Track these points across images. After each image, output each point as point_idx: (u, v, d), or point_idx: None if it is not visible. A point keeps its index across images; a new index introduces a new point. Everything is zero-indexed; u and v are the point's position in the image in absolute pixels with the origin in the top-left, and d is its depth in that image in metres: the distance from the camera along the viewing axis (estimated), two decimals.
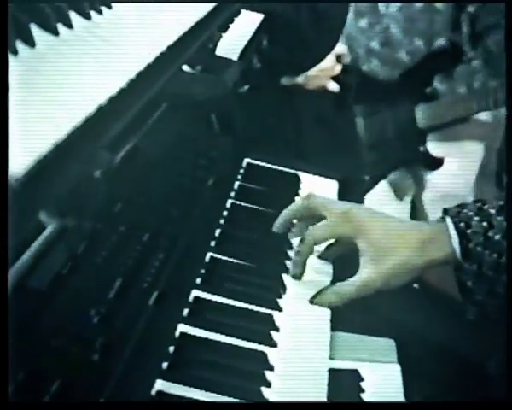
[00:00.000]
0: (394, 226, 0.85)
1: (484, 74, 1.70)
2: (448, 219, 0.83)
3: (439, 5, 1.63)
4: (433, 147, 1.74)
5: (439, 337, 1.19)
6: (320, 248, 0.91)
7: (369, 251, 0.83)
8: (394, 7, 1.65)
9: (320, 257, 0.91)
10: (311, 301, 0.83)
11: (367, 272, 0.82)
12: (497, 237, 0.80)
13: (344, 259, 0.91)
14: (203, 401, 0.66)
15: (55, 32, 0.58)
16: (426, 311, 1.21)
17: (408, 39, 1.64)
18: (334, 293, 0.83)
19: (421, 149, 1.66)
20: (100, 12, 0.68)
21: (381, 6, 1.66)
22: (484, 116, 1.78)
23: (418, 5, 1.63)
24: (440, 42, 1.63)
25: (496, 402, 0.83)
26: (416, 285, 1.27)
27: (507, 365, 0.78)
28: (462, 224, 0.82)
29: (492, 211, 0.82)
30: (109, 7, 0.71)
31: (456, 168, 1.80)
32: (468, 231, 0.81)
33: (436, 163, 1.77)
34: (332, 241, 0.90)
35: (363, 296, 0.84)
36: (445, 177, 1.81)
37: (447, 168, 1.79)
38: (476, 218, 0.82)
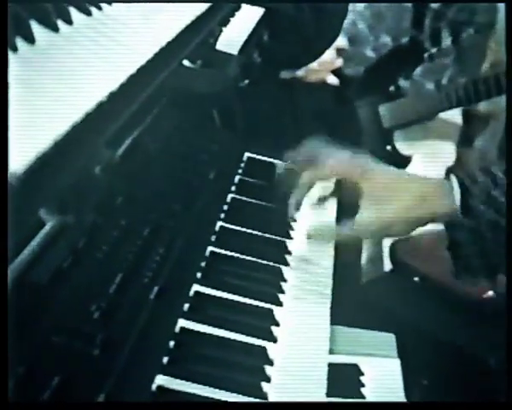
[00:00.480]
0: (399, 174, 0.85)
1: (454, 71, 1.69)
2: (452, 175, 0.82)
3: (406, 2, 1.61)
4: (401, 145, 1.71)
5: (440, 332, 1.19)
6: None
7: (372, 194, 0.82)
8: (362, 4, 1.64)
9: (318, 201, 0.91)
10: (309, 237, 0.84)
11: (367, 214, 0.82)
12: (501, 198, 0.79)
13: (343, 256, 0.92)
14: (202, 402, 0.66)
15: (55, 29, 0.58)
16: (426, 305, 1.21)
17: (374, 36, 1.63)
18: (332, 230, 0.84)
19: (388, 148, 1.64)
20: (100, 8, 0.68)
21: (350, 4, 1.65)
22: (453, 116, 1.76)
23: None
24: (405, 39, 1.62)
25: (496, 402, 0.83)
26: (416, 279, 1.27)
27: (507, 365, 0.78)
28: (466, 180, 0.81)
29: (499, 172, 0.81)
30: (109, 3, 0.70)
31: (423, 167, 1.77)
32: (472, 188, 0.80)
33: (403, 161, 1.74)
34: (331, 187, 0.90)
35: (358, 237, 0.84)
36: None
37: (414, 167, 1.77)
38: (480, 174, 0.81)
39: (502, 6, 1.71)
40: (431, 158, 1.76)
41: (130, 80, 0.62)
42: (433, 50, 1.61)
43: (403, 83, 1.64)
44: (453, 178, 0.81)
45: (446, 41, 1.69)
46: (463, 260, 0.82)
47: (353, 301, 0.89)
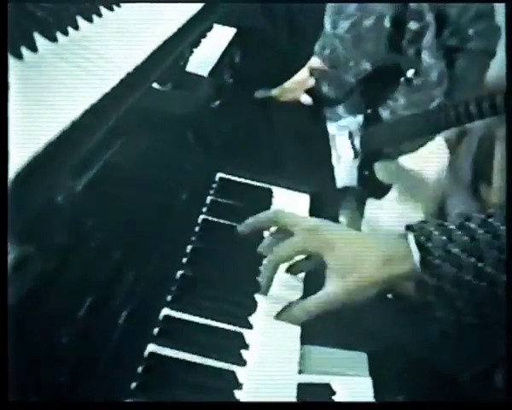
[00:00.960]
0: (360, 242, 0.87)
1: (442, 103, 1.69)
2: (409, 234, 0.85)
3: (387, 24, 1.62)
4: (379, 172, 1.71)
5: (414, 349, 1.20)
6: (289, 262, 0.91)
7: (335, 266, 0.84)
8: (342, 27, 1.65)
9: (288, 271, 0.91)
10: (278, 318, 0.84)
11: (332, 288, 0.84)
12: (456, 250, 0.82)
13: (314, 275, 0.92)
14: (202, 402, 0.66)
15: (19, 56, 0.58)
16: (401, 322, 1.21)
17: (355, 61, 1.64)
18: (299, 309, 0.84)
19: (366, 173, 1.64)
20: (66, 33, 0.68)
21: (329, 27, 1.66)
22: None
23: (367, 24, 1.63)
24: (385, 62, 1.63)
25: (496, 403, 0.84)
26: (390, 296, 1.28)
27: (507, 365, 0.79)
28: (422, 237, 0.84)
29: (452, 226, 0.84)
30: (76, 28, 0.71)
31: (401, 196, 1.77)
32: (428, 245, 0.83)
33: (382, 190, 1.73)
34: (300, 257, 0.91)
35: (328, 311, 0.85)
36: (388, 205, 1.79)
37: (392, 196, 1.76)
38: (436, 232, 0.83)
39: (503, 30, 1.69)
40: (411, 187, 1.76)
41: (96, 106, 0.62)
42: (410, 74, 1.62)
43: (381, 108, 1.64)
44: (410, 237, 0.83)
45: (434, 71, 1.68)
46: (433, 321, 0.84)
47: (324, 320, 0.89)
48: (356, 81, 1.65)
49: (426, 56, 1.65)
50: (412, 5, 1.58)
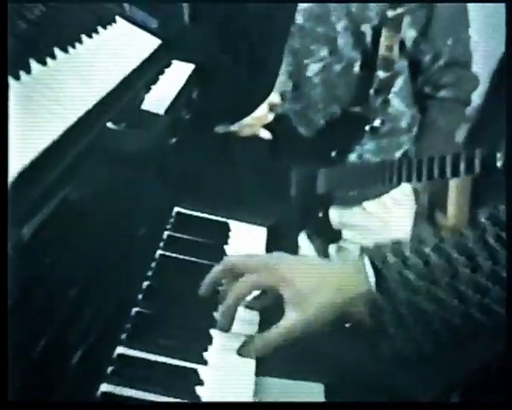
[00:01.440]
0: (314, 270, 0.88)
1: (410, 150, 1.70)
2: (365, 258, 0.86)
3: (356, 69, 1.63)
4: (334, 216, 1.71)
5: (372, 376, 1.21)
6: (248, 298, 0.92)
7: (291, 297, 0.85)
8: (313, 71, 1.67)
9: (248, 307, 0.92)
10: (238, 353, 0.84)
11: (290, 318, 0.84)
12: (410, 274, 0.83)
13: (270, 308, 0.93)
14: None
15: None
16: (356, 351, 1.23)
17: (324, 103, 1.65)
18: (259, 342, 0.85)
19: (320, 215, 1.63)
20: (18, 78, 0.69)
21: (304, 69, 1.67)
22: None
23: (336, 69, 1.65)
24: (352, 108, 1.64)
25: (496, 403, 0.85)
26: (347, 325, 1.29)
27: (506, 365, 0.80)
28: (377, 262, 0.85)
29: (406, 252, 0.85)
30: (28, 72, 0.72)
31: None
32: (383, 268, 0.84)
33: (333, 235, 1.72)
34: (258, 292, 0.92)
35: (289, 342, 0.85)
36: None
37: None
38: (391, 256, 0.85)
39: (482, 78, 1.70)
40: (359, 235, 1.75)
41: (52, 147, 0.63)
42: (377, 123, 1.63)
43: (351, 157, 1.65)
44: (366, 259, 0.85)
45: (404, 118, 1.68)
46: (387, 343, 0.85)
47: (279, 351, 0.90)
48: (325, 123, 1.66)
49: (396, 103, 1.66)
50: (381, 53, 1.57)
